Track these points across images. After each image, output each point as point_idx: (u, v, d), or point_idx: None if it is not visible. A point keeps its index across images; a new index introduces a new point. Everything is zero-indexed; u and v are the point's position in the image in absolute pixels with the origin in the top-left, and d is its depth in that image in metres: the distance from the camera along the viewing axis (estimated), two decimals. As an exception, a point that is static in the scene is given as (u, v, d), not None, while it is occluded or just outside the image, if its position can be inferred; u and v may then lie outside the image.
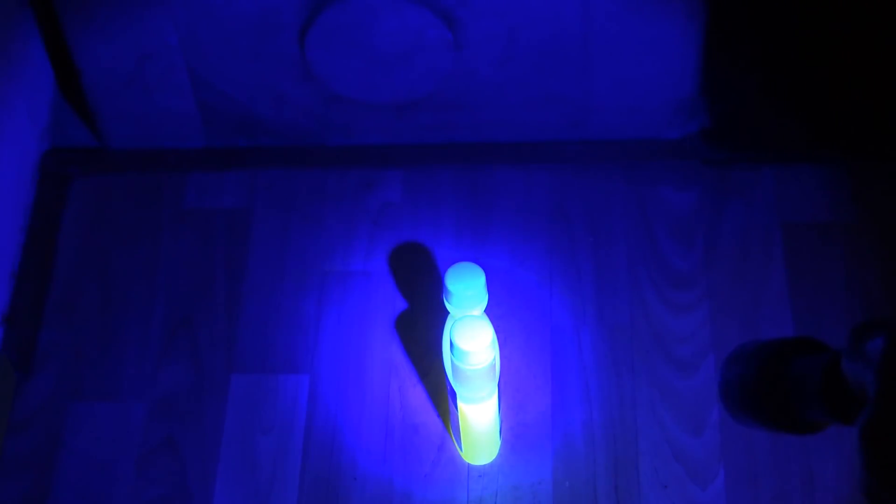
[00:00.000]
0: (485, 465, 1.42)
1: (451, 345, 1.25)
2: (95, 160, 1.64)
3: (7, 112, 1.53)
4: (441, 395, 1.44)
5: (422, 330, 1.49)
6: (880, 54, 1.62)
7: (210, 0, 1.46)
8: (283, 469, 1.42)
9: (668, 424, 1.43)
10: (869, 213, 1.55)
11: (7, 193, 1.53)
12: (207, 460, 1.42)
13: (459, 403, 1.32)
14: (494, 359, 1.28)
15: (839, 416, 0.88)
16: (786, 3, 1.60)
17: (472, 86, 1.55)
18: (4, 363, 1.46)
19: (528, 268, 1.53)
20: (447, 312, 1.31)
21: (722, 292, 1.51)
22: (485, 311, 1.31)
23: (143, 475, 1.42)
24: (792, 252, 1.53)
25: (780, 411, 0.94)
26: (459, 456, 1.42)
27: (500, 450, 1.42)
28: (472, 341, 1.25)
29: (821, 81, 1.63)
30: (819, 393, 0.88)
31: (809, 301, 1.50)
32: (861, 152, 1.60)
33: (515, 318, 1.50)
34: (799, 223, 1.55)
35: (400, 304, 1.51)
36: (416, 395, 1.46)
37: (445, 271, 1.29)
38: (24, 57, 1.59)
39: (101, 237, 1.58)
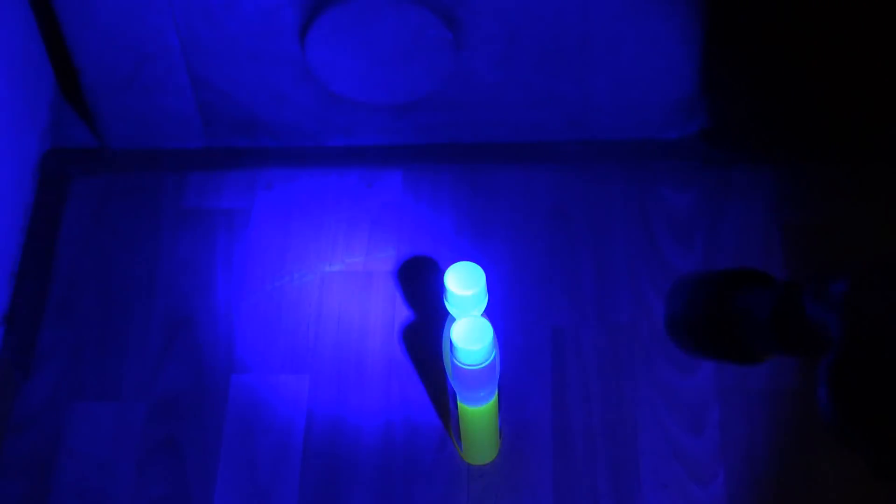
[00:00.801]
0: (485, 465, 1.42)
1: (451, 345, 1.25)
2: (95, 160, 1.64)
3: (7, 112, 1.53)
4: (441, 395, 1.44)
5: (422, 330, 1.49)
6: (881, 54, 1.62)
7: (210, 0, 1.46)
8: (283, 469, 1.42)
9: (668, 424, 1.43)
10: (868, 213, 1.55)
11: (7, 193, 1.53)
12: (207, 460, 1.42)
13: (459, 403, 1.32)
14: (494, 359, 1.28)
15: (789, 349, 0.90)
16: (785, 3, 1.60)
17: (472, 86, 1.55)
18: (4, 363, 1.46)
19: (528, 268, 1.53)
20: (447, 313, 1.31)
21: (722, 292, 1.50)
22: (485, 311, 1.31)
23: (143, 475, 1.42)
24: (792, 252, 1.53)
25: (727, 343, 0.96)
26: (459, 456, 1.42)
27: (500, 450, 1.42)
28: (472, 341, 1.25)
29: (821, 81, 1.63)
30: (769, 326, 0.90)
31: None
32: (861, 152, 1.60)
33: (515, 318, 1.50)
34: (799, 223, 1.55)
35: (400, 305, 1.51)
36: (416, 395, 1.46)
37: (445, 271, 1.29)
38: (24, 57, 1.59)
39: (101, 237, 1.58)
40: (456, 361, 1.26)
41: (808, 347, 0.88)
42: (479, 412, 1.33)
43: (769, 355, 0.95)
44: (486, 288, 1.29)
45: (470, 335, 1.25)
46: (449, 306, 1.30)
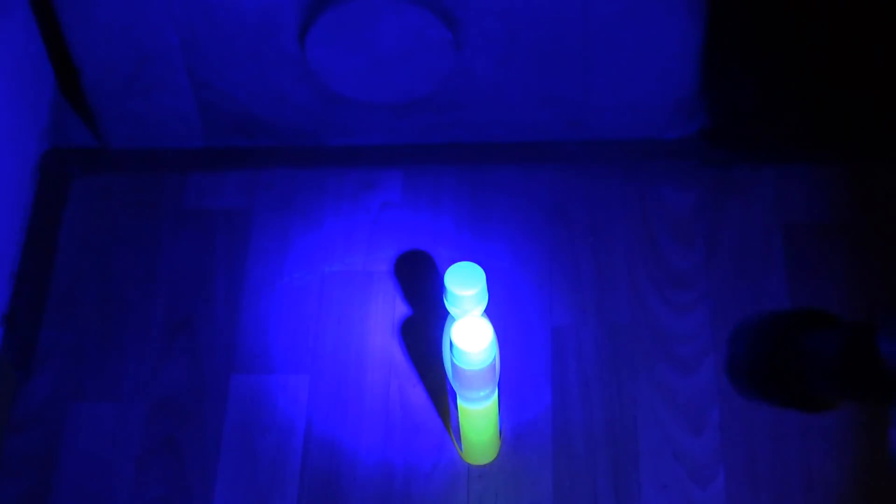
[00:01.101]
0: (485, 465, 1.42)
1: (451, 345, 1.25)
2: (95, 160, 1.64)
3: (7, 112, 1.53)
4: (441, 395, 1.44)
5: (422, 330, 1.49)
6: (880, 54, 1.62)
7: (210, 0, 1.46)
8: (283, 469, 1.42)
9: (668, 424, 1.43)
10: (869, 213, 1.55)
11: (7, 193, 1.53)
12: (207, 460, 1.42)
13: (459, 403, 1.32)
14: (494, 359, 1.28)
15: (861, 394, 0.85)
16: (785, 3, 1.60)
17: (472, 86, 1.55)
18: (4, 363, 1.46)
19: (528, 268, 1.53)
20: (447, 313, 1.31)
21: (722, 292, 1.51)
22: (485, 311, 1.31)
23: (143, 475, 1.42)
24: (792, 252, 1.53)
25: (793, 388, 0.91)
26: (459, 456, 1.42)
27: (500, 450, 1.42)
28: (472, 342, 1.25)
29: (821, 81, 1.63)
30: (839, 370, 0.86)
31: (809, 301, 1.49)
32: (861, 152, 1.60)
33: (515, 318, 1.50)
34: (799, 223, 1.55)
35: (400, 305, 1.51)
36: (416, 395, 1.46)
37: (445, 271, 1.29)
38: (24, 57, 1.59)
39: (101, 237, 1.58)
40: (456, 361, 1.26)
41: (883, 391, 0.83)
42: (479, 412, 1.33)
43: (838, 401, 0.90)
44: (486, 288, 1.29)
45: (470, 335, 1.25)
46: (449, 306, 1.30)
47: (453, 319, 1.29)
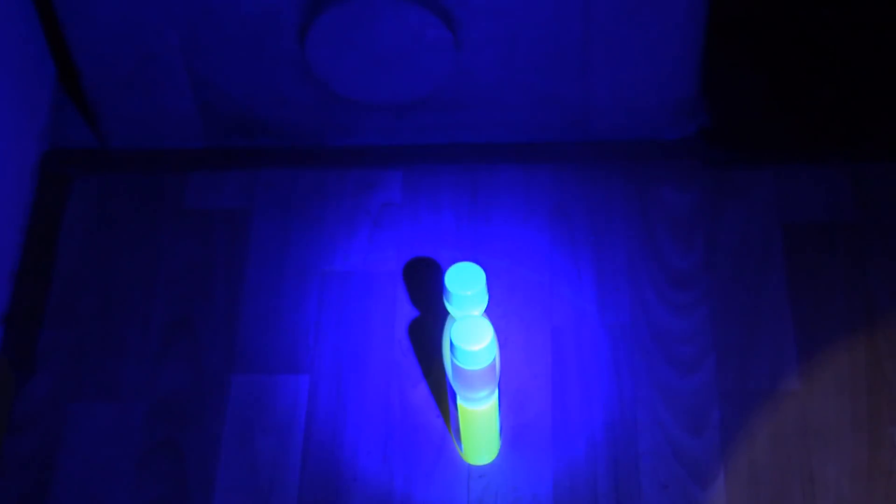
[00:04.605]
0: (485, 465, 1.42)
1: (451, 345, 1.25)
2: (95, 160, 1.64)
3: (7, 112, 1.53)
4: (441, 395, 1.44)
5: (422, 330, 1.49)
6: (880, 54, 1.62)
7: (210, 0, 1.46)
8: (283, 469, 1.42)
9: (668, 424, 1.43)
10: (869, 213, 1.55)
11: (7, 193, 1.54)
12: (207, 460, 1.42)
13: (459, 404, 1.32)
14: (494, 359, 1.28)
15: None
16: (786, 3, 1.60)
17: (472, 86, 1.55)
18: (4, 363, 1.46)
19: (529, 268, 1.53)
20: (447, 313, 1.31)
21: (722, 292, 1.51)
22: (485, 311, 1.31)
23: (143, 475, 1.42)
24: (792, 252, 1.53)
25: None
26: (459, 456, 1.42)
27: (500, 450, 1.42)
28: (472, 342, 1.25)
29: (821, 81, 1.63)
30: None
31: (809, 301, 1.50)
32: (861, 152, 1.60)
33: (515, 318, 1.50)
34: (799, 223, 1.55)
35: (400, 305, 1.51)
36: (416, 395, 1.46)
37: (445, 271, 1.29)
38: (25, 57, 1.59)
39: (101, 237, 1.58)
40: (456, 362, 1.26)
41: None
42: (479, 412, 1.33)
43: None
44: (486, 288, 1.29)
45: (470, 335, 1.25)
46: (449, 306, 1.30)
47: (453, 319, 1.29)
